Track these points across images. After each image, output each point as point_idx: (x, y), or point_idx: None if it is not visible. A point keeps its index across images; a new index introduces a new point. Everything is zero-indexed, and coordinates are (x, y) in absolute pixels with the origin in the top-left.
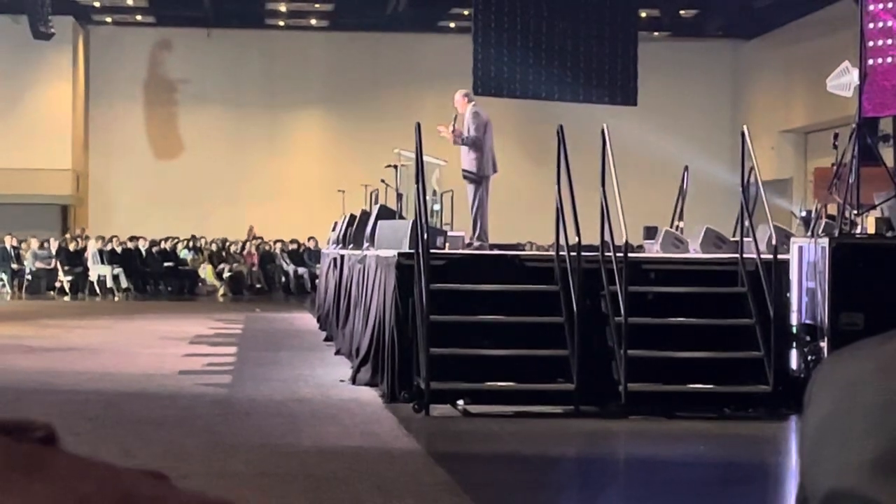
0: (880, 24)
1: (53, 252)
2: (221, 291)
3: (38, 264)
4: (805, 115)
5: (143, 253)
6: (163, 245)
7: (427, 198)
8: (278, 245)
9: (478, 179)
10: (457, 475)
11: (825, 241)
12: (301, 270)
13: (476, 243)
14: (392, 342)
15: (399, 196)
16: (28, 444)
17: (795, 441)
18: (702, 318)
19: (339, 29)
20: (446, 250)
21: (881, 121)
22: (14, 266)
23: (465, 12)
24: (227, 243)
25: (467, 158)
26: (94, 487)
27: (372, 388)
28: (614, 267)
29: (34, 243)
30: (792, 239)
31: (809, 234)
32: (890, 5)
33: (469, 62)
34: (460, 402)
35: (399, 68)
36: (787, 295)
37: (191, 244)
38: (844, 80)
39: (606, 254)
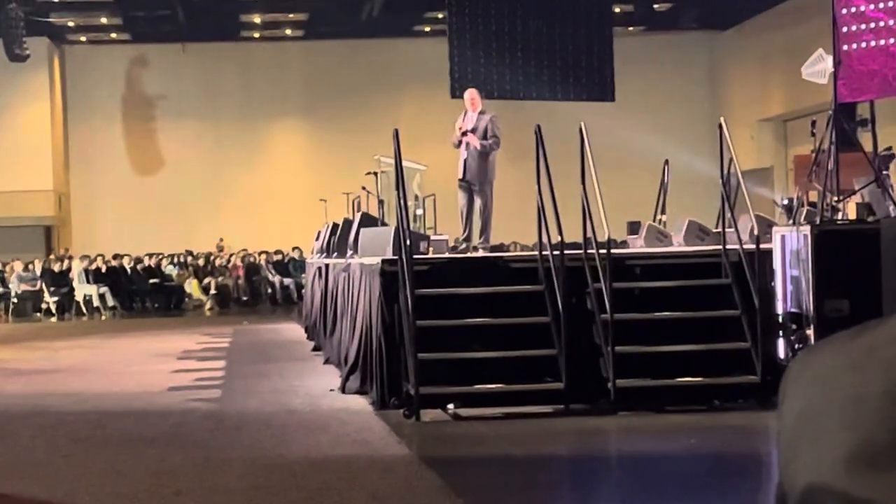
0: (853, 10)
1: (38, 274)
2: (208, 306)
3: (24, 286)
4: (783, 103)
5: (129, 270)
6: (147, 262)
7: (409, 203)
8: (263, 257)
9: (489, 185)
10: (449, 479)
11: (807, 229)
12: (287, 281)
13: (480, 248)
14: (380, 349)
15: (381, 203)
16: None
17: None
18: (688, 310)
19: (314, 38)
20: (430, 255)
21: (858, 106)
22: None
23: (440, 15)
24: (213, 257)
25: (476, 164)
26: None
27: (362, 396)
28: (598, 264)
29: (18, 266)
30: (774, 228)
31: (791, 222)
32: None
33: (446, 65)
34: (450, 406)
35: (376, 74)
36: (772, 284)
37: (176, 259)
38: (819, 67)
39: (590, 251)
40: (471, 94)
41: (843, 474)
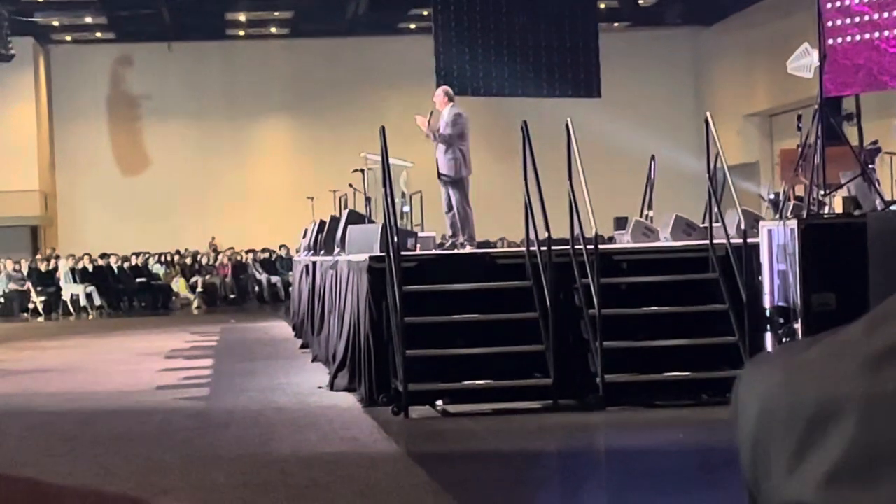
0: (838, 4)
1: (25, 273)
2: (195, 304)
3: (12, 286)
4: (769, 97)
5: (115, 270)
6: (134, 261)
7: (396, 200)
8: (250, 255)
9: (458, 181)
10: (438, 475)
11: (794, 223)
12: (274, 279)
13: (467, 244)
14: (368, 346)
15: (367, 200)
16: None
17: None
18: (675, 305)
19: (299, 36)
20: (417, 252)
21: (844, 100)
22: None
23: (425, 13)
24: (199, 255)
25: (444, 160)
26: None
27: (350, 394)
28: (585, 259)
29: (9, 265)
30: (761, 222)
31: (778, 216)
32: None
33: (431, 63)
34: (439, 402)
35: (361, 72)
36: (759, 278)
37: (163, 258)
38: (804, 61)
39: (577, 247)
40: (437, 91)
41: (826, 492)
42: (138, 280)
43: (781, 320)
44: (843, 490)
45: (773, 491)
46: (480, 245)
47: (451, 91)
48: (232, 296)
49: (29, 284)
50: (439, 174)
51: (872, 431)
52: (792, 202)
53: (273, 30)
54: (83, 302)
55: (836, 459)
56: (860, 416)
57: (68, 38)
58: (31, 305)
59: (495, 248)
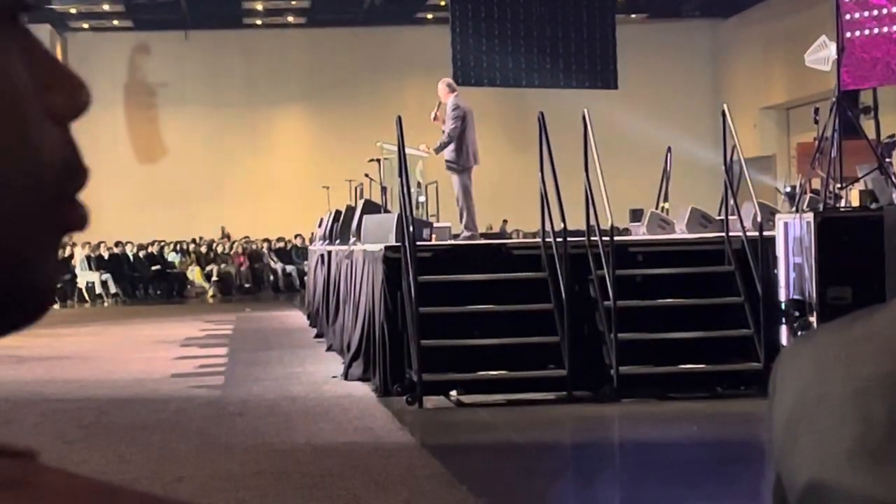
0: None
1: None
2: (210, 293)
3: None
4: (785, 90)
5: (131, 257)
6: (150, 249)
7: (411, 190)
8: (265, 244)
9: (460, 169)
10: (452, 466)
11: (810, 216)
12: (289, 268)
13: (465, 233)
14: (383, 336)
15: (383, 189)
16: (9, 461)
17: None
18: (690, 298)
19: (316, 25)
20: (433, 242)
21: (861, 93)
22: None
23: (442, 3)
24: (215, 244)
25: (448, 150)
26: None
27: (364, 383)
28: (601, 251)
29: None
30: (777, 215)
31: (794, 209)
32: None
33: (448, 53)
34: (453, 392)
35: (378, 62)
36: (775, 271)
37: (178, 247)
38: (822, 54)
39: (592, 238)
40: (439, 84)
41: (848, 470)
42: (154, 268)
43: (797, 313)
44: (862, 467)
45: (798, 468)
46: (495, 236)
47: (452, 83)
48: (247, 285)
49: None
50: (446, 162)
51: (893, 409)
52: (808, 195)
53: (290, 19)
54: (98, 289)
55: (858, 437)
56: (882, 394)
57: (86, 25)
58: None
59: (510, 238)
